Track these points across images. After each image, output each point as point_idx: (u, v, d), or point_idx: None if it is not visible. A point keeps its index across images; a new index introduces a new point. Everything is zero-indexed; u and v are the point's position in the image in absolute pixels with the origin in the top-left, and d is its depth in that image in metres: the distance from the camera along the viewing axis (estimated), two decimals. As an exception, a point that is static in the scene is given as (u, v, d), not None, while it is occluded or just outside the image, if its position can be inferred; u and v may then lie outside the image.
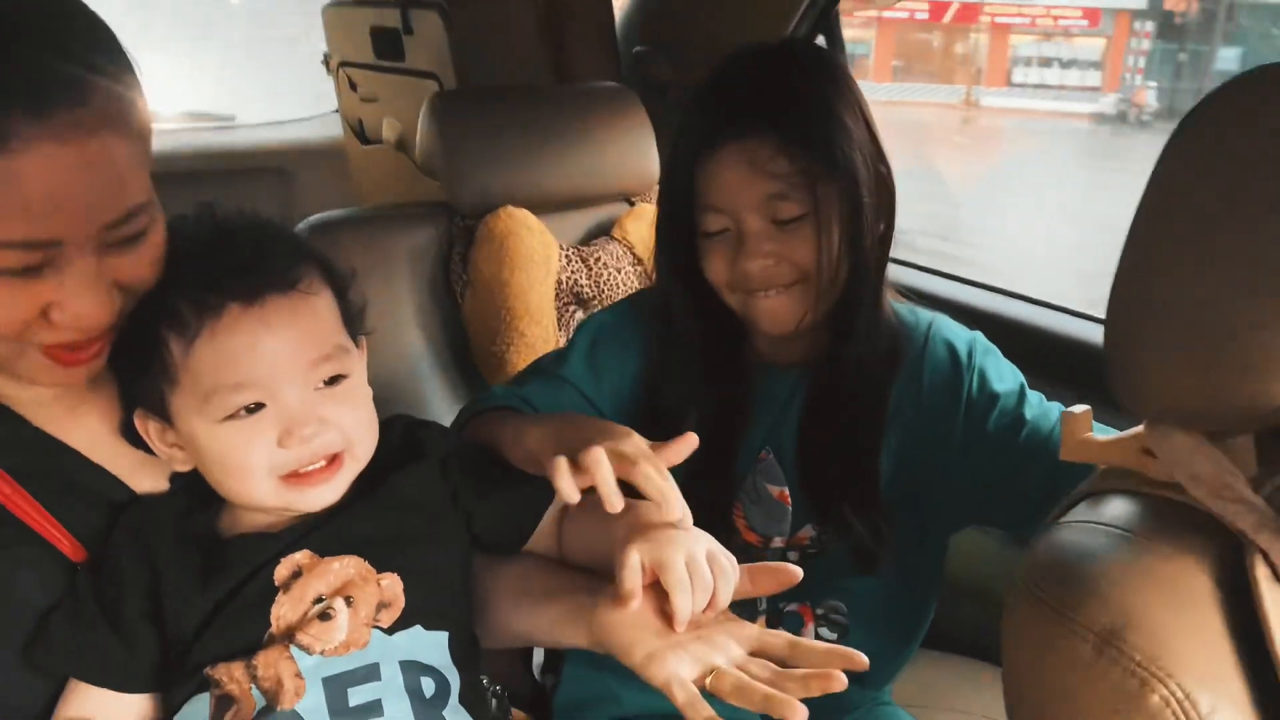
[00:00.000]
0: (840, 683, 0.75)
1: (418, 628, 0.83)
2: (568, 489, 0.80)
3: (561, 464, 0.81)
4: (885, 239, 1.08)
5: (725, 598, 0.79)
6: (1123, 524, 0.65)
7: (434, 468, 0.91)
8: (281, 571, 0.81)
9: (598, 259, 1.72)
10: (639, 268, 1.74)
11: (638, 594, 0.79)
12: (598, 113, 1.74)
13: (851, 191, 1.01)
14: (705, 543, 0.80)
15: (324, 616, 0.80)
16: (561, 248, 1.70)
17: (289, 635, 0.80)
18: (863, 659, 0.77)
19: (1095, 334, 1.37)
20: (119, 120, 0.73)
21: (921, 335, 1.14)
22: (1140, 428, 0.68)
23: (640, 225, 1.76)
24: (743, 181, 1.01)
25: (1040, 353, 1.14)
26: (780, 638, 0.80)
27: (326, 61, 2.55)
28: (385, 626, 0.82)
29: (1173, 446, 0.64)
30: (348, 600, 0.81)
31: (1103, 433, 0.74)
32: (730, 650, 0.79)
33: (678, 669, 0.77)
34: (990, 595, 1.37)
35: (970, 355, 1.12)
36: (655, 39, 2.10)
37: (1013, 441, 1.06)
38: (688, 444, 0.85)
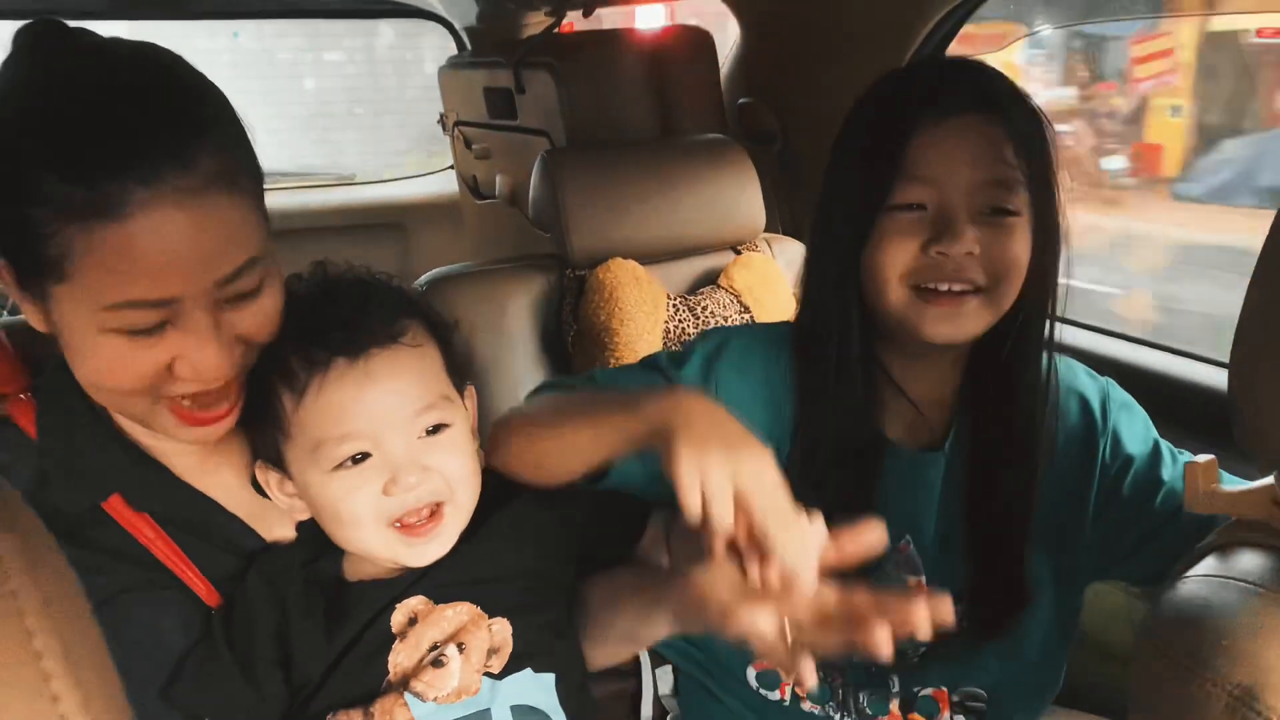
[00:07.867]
0: (923, 623, 0.70)
1: (527, 670, 0.85)
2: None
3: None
4: (1055, 290, 1.00)
5: (801, 563, 0.75)
6: (1254, 578, 0.63)
7: (539, 498, 0.93)
8: (398, 618, 0.84)
9: (705, 307, 1.74)
10: (746, 316, 1.75)
11: (724, 528, 0.75)
12: (704, 164, 1.77)
13: (1054, 216, 0.96)
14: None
15: (437, 663, 0.82)
16: (669, 297, 1.73)
17: (404, 682, 0.82)
18: (947, 607, 0.72)
19: (1220, 379, 1.32)
20: (227, 180, 0.75)
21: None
22: (1271, 478, 0.66)
23: (747, 274, 1.78)
24: (969, 156, 0.93)
25: (1164, 399, 1.10)
26: (861, 594, 0.75)
27: (442, 121, 2.65)
28: (496, 672, 0.84)
29: (1306, 498, 0.62)
30: (460, 647, 0.83)
31: (1232, 483, 0.72)
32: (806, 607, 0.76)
33: (754, 621, 0.75)
34: (1114, 649, 1.32)
35: (1104, 415, 1.05)
36: (760, 91, 2.13)
37: (1149, 504, 1.01)
38: (875, 534, 0.76)
